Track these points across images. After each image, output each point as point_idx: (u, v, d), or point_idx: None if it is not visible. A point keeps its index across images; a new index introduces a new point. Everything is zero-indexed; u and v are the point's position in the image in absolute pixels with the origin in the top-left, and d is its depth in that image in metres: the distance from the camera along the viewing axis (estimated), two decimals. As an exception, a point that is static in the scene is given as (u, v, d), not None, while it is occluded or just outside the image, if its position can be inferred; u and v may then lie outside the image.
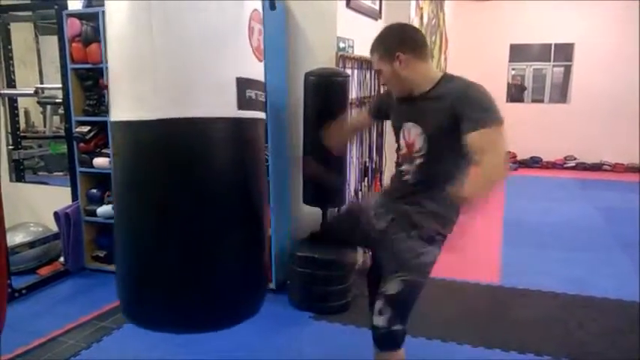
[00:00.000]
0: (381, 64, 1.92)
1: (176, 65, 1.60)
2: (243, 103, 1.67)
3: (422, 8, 5.98)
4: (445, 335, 2.96)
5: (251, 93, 1.69)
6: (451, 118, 1.77)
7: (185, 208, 1.65)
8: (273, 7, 3.23)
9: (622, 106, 8.93)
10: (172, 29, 1.58)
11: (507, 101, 9.90)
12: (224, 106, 1.65)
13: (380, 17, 4.59)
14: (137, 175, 1.70)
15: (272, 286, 3.55)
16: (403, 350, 1.95)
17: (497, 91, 9.58)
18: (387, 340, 1.92)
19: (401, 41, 1.88)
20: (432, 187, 1.90)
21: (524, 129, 9.47)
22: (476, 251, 4.57)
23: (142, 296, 1.79)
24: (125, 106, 1.68)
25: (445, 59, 8.51)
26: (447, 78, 1.93)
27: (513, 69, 10.02)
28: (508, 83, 9.94)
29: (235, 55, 1.66)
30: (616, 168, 9.05)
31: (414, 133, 1.91)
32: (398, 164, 2.06)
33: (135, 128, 1.66)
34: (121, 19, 1.64)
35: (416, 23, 5.58)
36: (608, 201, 6.73)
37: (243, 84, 1.66)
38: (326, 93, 3.18)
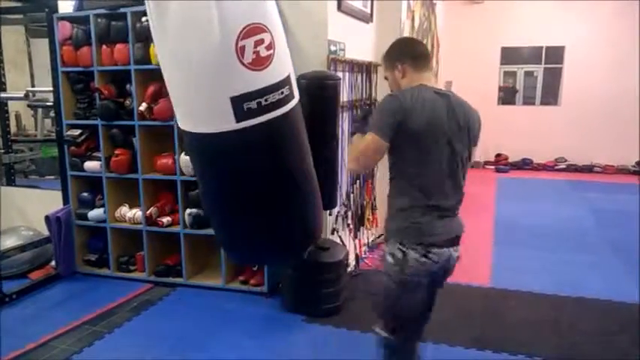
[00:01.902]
0: (386, 73, 2.12)
1: (183, 97, 2.02)
2: (241, 115, 1.89)
3: (413, 11, 6.01)
4: (437, 337, 2.96)
5: (251, 104, 1.89)
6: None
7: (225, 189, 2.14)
8: (264, 10, 3.24)
9: (612, 108, 8.99)
10: (172, 64, 1.95)
11: (499, 104, 9.95)
12: (223, 123, 1.91)
13: (371, 20, 4.60)
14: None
15: (264, 289, 3.56)
16: None
17: (488, 94, 9.70)
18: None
19: (400, 53, 2.06)
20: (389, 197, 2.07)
21: (515, 131, 9.54)
22: (467, 253, 4.56)
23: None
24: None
25: (437, 62, 8.55)
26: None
27: (505, 71, 10.07)
28: (499, 86, 9.99)
29: (224, 79, 1.87)
30: (607, 170, 9.10)
31: None
32: None
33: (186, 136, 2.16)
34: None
35: (407, 26, 5.60)
36: (599, 203, 6.77)
37: (238, 100, 1.87)
38: (318, 96, 3.18)
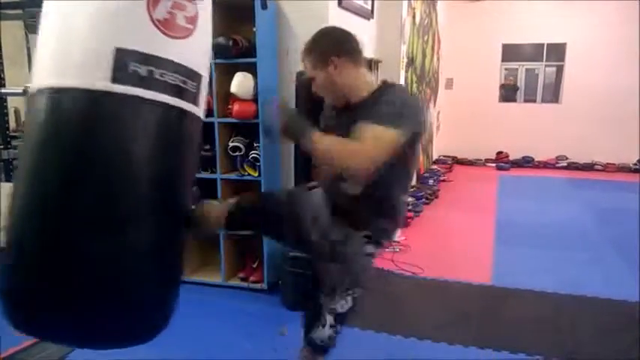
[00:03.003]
0: (314, 71, 1.81)
1: (61, 36, 1.53)
2: (123, 77, 1.45)
3: (414, 8, 5.99)
4: (436, 335, 2.96)
5: (140, 68, 1.46)
6: None
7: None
8: (264, 6, 3.22)
9: (614, 106, 8.97)
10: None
11: (500, 101, 9.93)
12: (96, 78, 1.45)
13: (372, 17, 4.59)
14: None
15: (264, 286, 3.54)
16: None
17: (489, 91, 9.69)
18: None
19: (335, 45, 1.79)
20: None
21: (516, 129, 9.53)
22: (468, 251, 4.57)
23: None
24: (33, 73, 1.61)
25: (438, 59, 8.53)
26: (388, 85, 1.84)
27: (506, 69, 10.05)
28: (500, 83, 9.97)
29: (121, 22, 1.47)
30: (608, 168, 9.08)
31: None
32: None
33: (28, 96, 1.61)
34: None
35: (408, 23, 5.58)
36: (600, 201, 6.76)
37: (125, 56, 1.45)
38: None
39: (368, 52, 4.31)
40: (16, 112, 6.62)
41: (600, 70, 9.03)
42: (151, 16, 1.47)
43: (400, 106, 1.66)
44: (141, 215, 1.54)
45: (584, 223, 5.63)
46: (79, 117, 1.48)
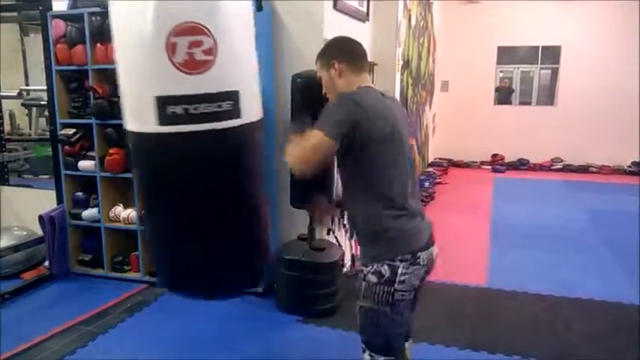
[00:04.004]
0: (320, 72, 1.99)
1: (122, 90, 1.95)
2: (164, 119, 1.79)
3: (410, 10, 6.00)
4: (432, 337, 2.96)
5: (176, 108, 1.77)
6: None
7: None
8: (259, 8, 3.22)
9: (608, 108, 9.00)
10: (117, 56, 1.92)
11: (495, 103, 9.95)
12: (147, 123, 1.83)
13: (367, 19, 4.59)
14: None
15: (259, 289, 3.54)
16: None
17: (485, 94, 9.71)
18: None
19: (338, 51, 1.96)
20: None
21: (511, 131, 9.54)
22: (463, 253, 4.57)
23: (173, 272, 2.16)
24: None
25: (433, 61, 8.55)
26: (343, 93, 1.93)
27: (501, 71, 10.07)
28: (496, 86, 9.99)
29: (152, 75, 1.78)
30: (602, 170, 9.11)
31: None
32: None
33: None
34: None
35: (404, 25, 5.59)
36: (595, 203, 6.78)
37: (163, 101, 1.77)
38: (313, 94, 3.15)
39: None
40: (12, 115, 6.62)
41: (595, 73, 9.06)
42: (172, 62, 1.74)
43: (327, 110, 1.80)
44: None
45: (579, 225, 5.65)
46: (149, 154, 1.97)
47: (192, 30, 1.75)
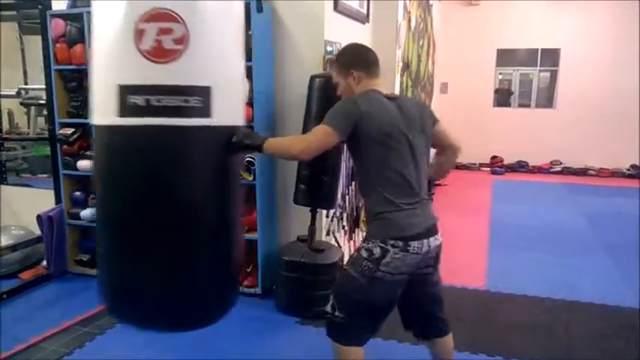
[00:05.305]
0: (338, 78, 2.16)
1: (90, 82, 1.84)
2: (125, 110, 1.65)
3: (410, 12, 6.00)
4: (431, 340, 2.95)
5: (137, 99, 1.63)
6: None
7: None
8: (260, 9, 3.22)
9: (607, 111, 9.01)
10: (92, 51, 1.81)
11: (494, 106, 9.96)
12: (107, 115, 1.71)
13: (368, 21, 4.59)
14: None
15: (258, 290, 3.53)
16: (357, 351, 2.13)
17: (484, 96, 9.71)
18: (329, 328, 2.16)
19: (356, 60, 2.12)
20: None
21: (510, 133, 9.55)
22: (462, 255, 4.57)
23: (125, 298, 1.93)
24: None
25: (433, 63, 8.55)
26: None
27: (500, 73, 10.08)
28: (495, 88, 10.00)
29: (118, 62, 1.68)
30: (601, 173, 9.12)
31: None
32: None
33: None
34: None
35: (404, 27, 5.59)
36: (594, 206, 6.78)
37: (125, 91, 1.65)
38: (331, 94, 3.13)
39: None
40: (10, 114, 6.60)
41: (594, 76, 9.07)
42: (138, 49, 1.62)
43: (331, 109, 2.00)
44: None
45: (578, 228, 5.65)
46: (106, 149, 1.80)
47: (163, 16, 1.62)
